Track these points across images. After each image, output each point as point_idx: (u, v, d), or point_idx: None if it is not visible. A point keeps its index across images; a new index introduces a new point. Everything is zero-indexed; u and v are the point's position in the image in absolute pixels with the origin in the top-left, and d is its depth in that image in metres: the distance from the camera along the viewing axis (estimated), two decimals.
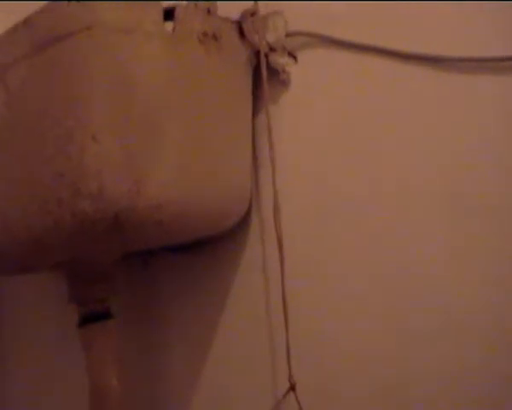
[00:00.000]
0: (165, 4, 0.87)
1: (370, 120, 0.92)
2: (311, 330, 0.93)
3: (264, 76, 0.91)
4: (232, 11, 0.98)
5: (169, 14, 0.86)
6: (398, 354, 0.87)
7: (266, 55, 0.95)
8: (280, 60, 0.97)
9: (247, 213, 1.00)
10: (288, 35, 0.97)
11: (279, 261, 0.88)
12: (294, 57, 0.98)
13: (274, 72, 0.96)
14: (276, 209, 0.88)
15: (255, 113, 0.99)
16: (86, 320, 1.01)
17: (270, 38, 0.95)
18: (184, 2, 0.89)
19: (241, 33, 0.96)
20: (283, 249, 0.87)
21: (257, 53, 0.98)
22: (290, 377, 0.90)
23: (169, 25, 0.87)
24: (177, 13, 0.87)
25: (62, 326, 1.22)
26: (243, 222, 0.99)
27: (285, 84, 0.98)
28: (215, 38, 0.91)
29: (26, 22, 0.85)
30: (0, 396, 1.40)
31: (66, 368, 1.25)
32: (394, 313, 0.87)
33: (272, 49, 0.96)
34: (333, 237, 0.93)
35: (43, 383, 1.31)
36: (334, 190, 0.93)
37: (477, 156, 0.84)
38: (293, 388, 0.90)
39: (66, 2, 0.80)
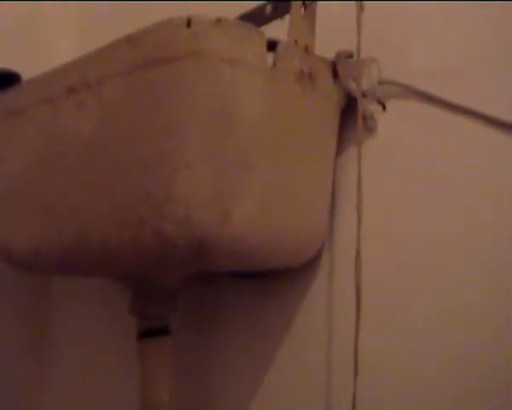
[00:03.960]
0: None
1: (454, 183, 0.91)
2: (381, 382, 0.92)
3: (358, 125, 0.91)
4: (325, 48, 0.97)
5: (270, 47, 0.87)
6: None
7: (357, 100, 0.94)
8: (370, 106, 0.97)
9: (318, 252, 0.99)
10: (379, 83, 0.97)
11: (355, 309, 0.87)
12: (383, 105, 0.98)
13: (361, 117, 0.96)
14: (358, 256, 0.87)
15: (337, 155, 0.99)
16: (144, 334, 1.02)
17: (364, 84, 0.95)
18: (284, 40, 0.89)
19: (335, 75, 0.97)
20: (361, 299, 0.87)
21: (347, 96, 0.98)
22: None
23: (269, 56, 0.87)
24: (279, 49, 0.87)
25: (120, 336, 1.22)
26: (313, 260, 0.99)
27: (371, 130, 0.98)
28: (311, 77, 0.92)
29: (130, 40, 0.85)
30: (52, 400, 1.41)
31: (119, 378, 1.25)
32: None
33: (363, 95, 0.96)
34: (408, 291, 0.92)
35: (95, 389, 1.32)
36: (412, 243, 0.93)
37: None
38: None
39: (175, 25, 0.81)
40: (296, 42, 0.91)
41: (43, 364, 1.42)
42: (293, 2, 0.90)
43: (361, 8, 0.91)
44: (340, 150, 1.00)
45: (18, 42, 1.39)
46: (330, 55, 0.98)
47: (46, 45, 1.44)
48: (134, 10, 1.34)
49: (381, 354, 0.93)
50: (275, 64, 0.87)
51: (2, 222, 1.08)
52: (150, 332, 1.02)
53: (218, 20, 0.80)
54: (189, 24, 0.79)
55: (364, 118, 0.97)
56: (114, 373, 1.29)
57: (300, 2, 0.91)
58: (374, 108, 0.97)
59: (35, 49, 1.40)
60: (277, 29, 0.94)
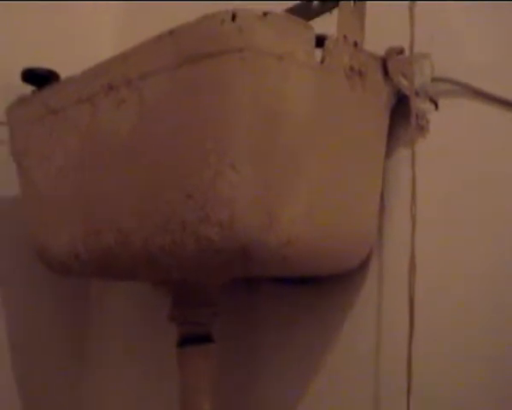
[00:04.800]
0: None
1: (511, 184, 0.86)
2: (435, 396, 0.88)
3: (412, 124, 0.86)
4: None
5: (319, 42, 0.83)
6: None
7: (409, 98, 0.90)
8: (422, 105, 0.92)
9: (367, 258, 0.95)
10: (432, 80, 0.93)
11: (408, 322, 0.83)
12: (436, 104, 0.93)
13: None
14: (412, 268, 0.83)
15: (386, 156, 0.95)
16: (186, 341, 0.99)
17: (416, 82, 0.91)
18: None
19: (385, 71, 0.92)
20: (414, 308, 0.82)
21: (397, 93, 0.94)
22: None
23: (317, 52, 0.83)
24: (328, 44, 0.83)
25: (160, 343, 1.19)
26: (362, 266, 0.95)
27: (422, 130, 0.93)
28: (360, 74, 0.88)
29: (173, 34, 0.82)
30: (90, 406, 1.39)
31: (159, 386, 1.22)
32: None
33: (415, 93, 0.91)
34: (466, 297, 0.88)
35: (134, 397, 1.30)
36: (468, 246, 0.88)
37: None
38: None
39: (220, 20, 0.77)
40: (345, 37, 0.87)
41: (82, 370, 1.41)
42: None
43: (413, 2, 0.86)
44: (390, 150, 0.95)
45: (57, 41, 1.37)
46: (380, 51, 0.93)
47: (86, 44, 1.41)
48: (176, 7, 1.31)
49: (433, 367, 0.89)
50: (323, 60, 0.83)
51: (43, 224, 1.06)
52: (191, 339, 0.99)
53: (264, 14, 0.76)
54: (233, 18, 0.76)
55: (416, 117, 0.92)
56: (153, 381, 1.26)
57: None
58: (426, 106, 0.93)
59: (74, 49, 1.38)
60: (325, 24, 0.89)
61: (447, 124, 0.93)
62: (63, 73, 1.07)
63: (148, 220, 0.85)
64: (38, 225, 1.06)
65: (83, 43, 1.41)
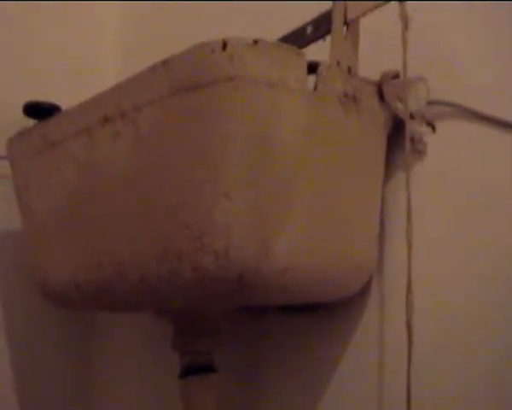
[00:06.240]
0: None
1: (509, 203, 0.86)
2: None
3: (406, 149, 0.86)
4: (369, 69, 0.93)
5: (311, 69, 0.83)
6: None
7: (404, 122, 0.90)
8: (418, 128, 0.92)
9: (367, 283, 0.94)
10: (428, 103, 0.92)
11: (406, 347, 0.82)
12: (433, 127, 0.93)
13: (410, 140, 0.91)
14: (409, 292, 0.82)
15: (384, 180, 0.94)
16: (188, 371, 0.98)
17: (412, 105, 0.90)
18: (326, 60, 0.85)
19: (381, 96, 0.92)
20: (413, 333, 0.81)
21: (394, 118, 0.93)
22: None
23: (310, 79, 0.83)
24: (321, 70, 0.83)
25: (162, 373, 1.19)
26: (362, 291, 0.94)
27: (420, 153, 0.93)
28: (355, 99, 0.87)
29: (166, 64, 0.82)
30: None
31: None
32: None
33: (411, 117, 0.91)
34: (464, 322, 0.87)
35: None
36: (467, 271, 0.87)
37: None
38: None
39: (211, 49, 0.77)
40: (338, 63, 0.86)
41: (86, 400, 1.40)
42: (334, 20, 0.86)
43: (406, 26, 0.86)
44: (388, 176, 0.95)
45: (59, 73, 1.38)
46: (376, 76, 0.93)
47: (88, 76, 1.42)
48: (178, 34, 1.31)
49: (434, 390, 0.88)
50: (316, 87, 0.82)
51: (41, 256, 1.06)
52: (193, 369, 0.98)
53: (255, 42, 0.76)
54: (224, 46, 0.76)
55: (413, 141, 0.92)
56: None
57: (342, 20, 0.86)
58: (423, 129, 0.92)
59: (77, 81, 1.38)
60: (321, 52, 0.89)
61: (445, 147, 0.92)
62: (64, 106, 1.07)
63: (145, 250, 0.85)
64: (39, 257, 1.06)
65: (85, 75, 1.41)
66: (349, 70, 0.88)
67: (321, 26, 0.89)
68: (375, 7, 0.84)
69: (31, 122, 1.13)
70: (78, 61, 1.43)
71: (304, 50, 0.84)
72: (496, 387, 0.83)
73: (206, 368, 0.99)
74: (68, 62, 1.40)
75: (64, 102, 1.09)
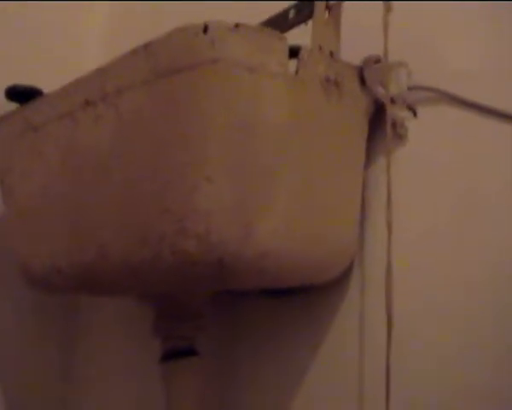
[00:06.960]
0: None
1: (491, 193, 0.86)
2: (414, 402, 0.87)
3: (388, 133, 0.86)
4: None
5: (293, 53, 0.83)
6: None
7: (385, 107, 0.90)
8: (400, 113, 0.92)
9: (349, 267, 0.95)
10: (409, 88, 0.92)
11: (386, 331, 0.82)
12: (414, 111, 0.93)
13: (391, 124, 0.91)
14: (389, 275, 0.83)
15: (366, 165, 0.95)
16: (169, 356, 0.98)
17: (393, 90, 0.91)
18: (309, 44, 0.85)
19: (362, 81, 0.92)
20: (392, 316, 0.82)
21: (375, 102, 0.94)
22: None
23: (292, 63, 0.83)
24: (302, 55, 0.83)
25: (144, 359, 1.19)
26: (343, 275, 0.95)
27: (401, 138, 0.93)
28: (337, 84, 0.88)
29: (147, 48, 0.82)
30: None
31: (145, 400, 1.22)
32: None
33: (392, 102, 0.91)
34: (442, 305, 0.87)
35: None
36: (445, 257, 0.88)
37: None
38: None
39: (193, 32, 0.77)
40: (320, 47, 0.86)
41: (68, 385, 1.40)
42: (316, 4, 0.86)
43: (388, 9, 0.86)
44: (369, 160, 0.95)
45: (40, 57, 1.37)
46: (358, 60, 0.93)
47: (69, 60, 1.41)
48: (162, 20, 1.31)
49: (413, 373, 0.88)
50: (298, 71, 0.82)
51: (24, 241, 1.06)
52: (175, 353, 0.98)
53: (236, 26, 0.76)
54: (205, 30, 0.76)
55: (394, 125, 0.92)
56: (140, 395, 1.26)
57: (324, 4, 0.86)
58: (404, 114, 0.93)
59: (58, 64, 1.38)
60: (304, 36, 0.89)
61: (426, 131, 0.93)
62: (47, 90, 1.07)
63: (127, 234, 0.85)
64: (21, 241, 1.06)
65: (66, 58, 1.41)
66: (331, 54, 0.88)
67: (303, 10, 0.89)
68: None
69: (13, 106, 1.12)
70: (61, 44, 1.42)
71: (286, 34, 0.83)
72: (474, 371, 0.84)
73: (188, 352, 0.99)
74: (51, 46, 1.39)
75: (46, 86, 1.09)
